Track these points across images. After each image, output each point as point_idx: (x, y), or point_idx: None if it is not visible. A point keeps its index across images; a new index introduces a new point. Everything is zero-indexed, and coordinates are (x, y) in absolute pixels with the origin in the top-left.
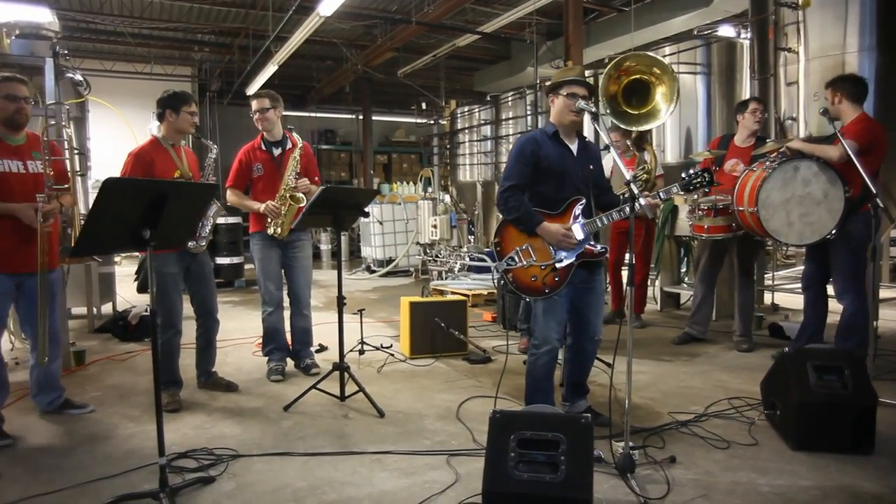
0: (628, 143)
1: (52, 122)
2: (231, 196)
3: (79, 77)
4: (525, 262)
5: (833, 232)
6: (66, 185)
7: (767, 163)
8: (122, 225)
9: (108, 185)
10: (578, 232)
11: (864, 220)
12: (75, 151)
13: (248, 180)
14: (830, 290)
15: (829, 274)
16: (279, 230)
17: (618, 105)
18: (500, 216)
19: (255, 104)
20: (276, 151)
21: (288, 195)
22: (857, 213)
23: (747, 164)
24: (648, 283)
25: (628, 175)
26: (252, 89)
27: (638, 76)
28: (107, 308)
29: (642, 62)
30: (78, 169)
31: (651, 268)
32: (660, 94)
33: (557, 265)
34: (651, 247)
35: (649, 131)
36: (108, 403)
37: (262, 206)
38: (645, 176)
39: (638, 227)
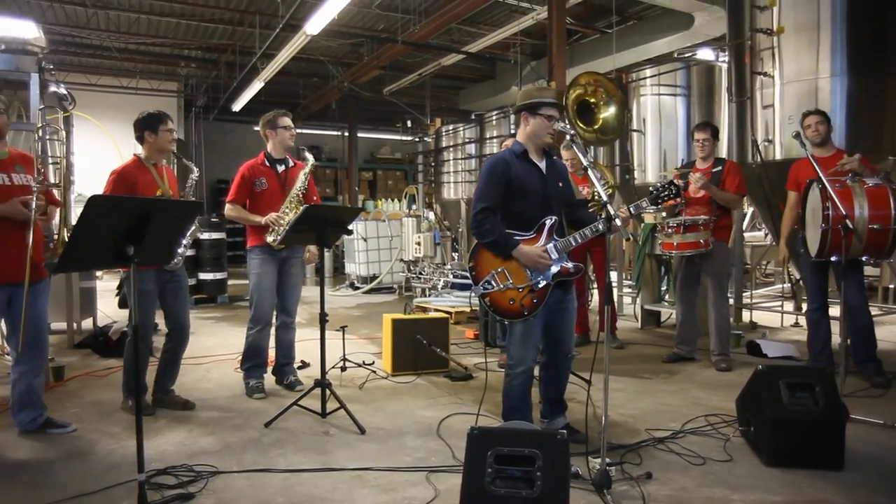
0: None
1: (39, 137)
2: (231, 210)
3: (63, 91)
4: (502, 286)
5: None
6: (53, 189)
7: (873, 181)
8: (106, 241)
9: (93, 203)
10: (552, 252)
11: None
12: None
13: (250, 195)
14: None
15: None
16: (278, 240)
17: (572, 122)
18: (475, 240)
19: (286, 121)
20: (280, 168)
21: (297, 203)
22: None
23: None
24: (620, 302)
25: (605, 196)
26: (238, 105)
27: (587, 98)
28: (87, 323)
29: (603, 88)
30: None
31: (632, 286)
32: (604, 114)
33: (535, 287)
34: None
35: (589, 149)
36: (88, 420)
37: (264, 219)
38: (610, 191)
39: (599, 242)
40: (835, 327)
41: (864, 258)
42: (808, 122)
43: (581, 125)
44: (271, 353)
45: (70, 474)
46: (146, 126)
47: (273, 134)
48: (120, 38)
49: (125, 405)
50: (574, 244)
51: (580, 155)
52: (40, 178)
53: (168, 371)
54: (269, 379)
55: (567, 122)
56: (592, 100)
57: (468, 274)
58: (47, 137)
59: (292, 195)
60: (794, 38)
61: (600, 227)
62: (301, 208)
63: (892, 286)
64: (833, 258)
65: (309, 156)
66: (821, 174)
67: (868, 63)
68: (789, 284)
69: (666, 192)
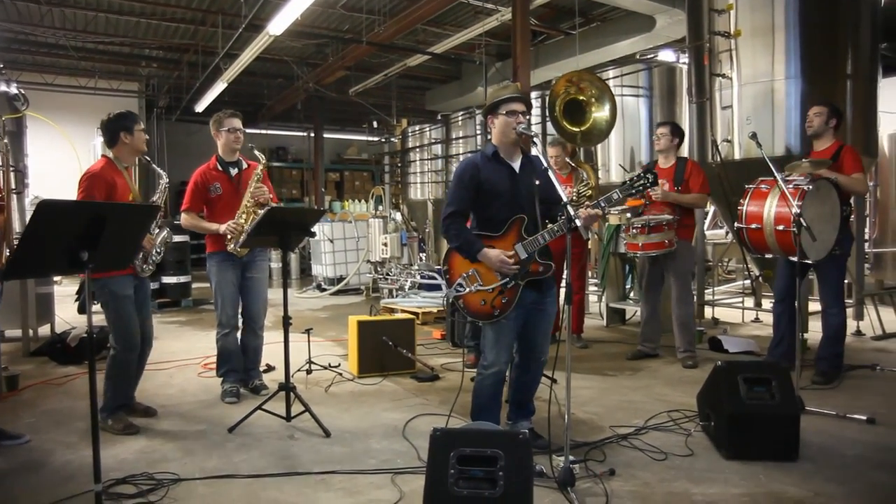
0: (567, 159)
1: None
2: (187, 219)
3: (15, 91)
4: (472, 288)
5: (836, 249)
6: None
7: (793, 184)
8: (58, 247)
9: (43, 208)
10: (521, 252)
11: (849, 237)
12: (10, 168)
13: (205, 201)
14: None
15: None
16: (238, 247)
17: (557, 121)
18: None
19: (231, 122)
20: (233, 171)
21: (252, 207)
22: (843, 230)
23: (672, 184)
24: (586, 301)
25: (565, 197)
26: (201, 106)
27: (575, 96)
28: (44, 330)
29: (586, 84)
30: (14, 187)
31: (597, 284)
32: (596, 114)
33: (504, 288)
34: (585, 267)
35: (578, 150)
36: (43, 430)
37: (222, 227)
38: (590, 192)
39: (576, 245)
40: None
41: (790, 258)
42: (808, 114)
43: (568, 124)
44: None
45: (23, 487)
46: (121, 127)
47: (219, 136)
48: (76, 36)
49: (105, 424)
50: (542, 242)
51: (541, 157)
52: None
53: (133, 381)
54: None
55: (551, 123)
56: (582, 97)
57: (443, 276)
58: None
59: (246, 199)
60: (750, 41)
61: (564, 228)
62: (260, 211)
63: (846, 281)
64: (767, 256)
65: (259, 155)
66: (775, 172)
67: (820, 66)
68: (750, 281)
69: (641, 182)
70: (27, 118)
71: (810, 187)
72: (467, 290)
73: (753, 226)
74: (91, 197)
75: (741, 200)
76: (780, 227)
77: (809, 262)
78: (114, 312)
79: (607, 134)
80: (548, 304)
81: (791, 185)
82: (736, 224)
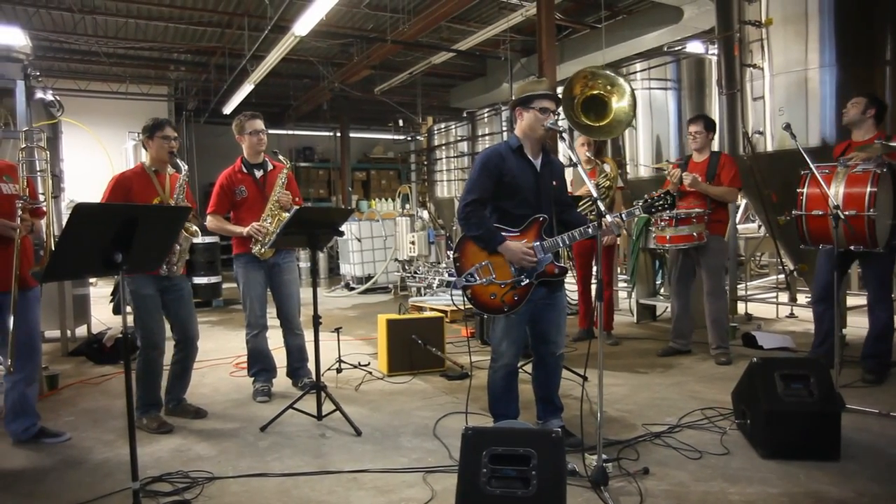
0: (589, 154)
1: (26, 145)
2: (212, 222)
3: (50, 97)
4: (484, 280)
5: (893, 239)
6: (42, 203)
7: (861, 167)
8: (93, 249)
9: (78, 211)
10: (539, 251)
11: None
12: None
13: (231, 204)
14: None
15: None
16: (264, 249)
17: (575, 116)
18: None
19: (253, 125)
20: (259, 174)
21: (277, 210)
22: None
23: (704, 177)
24: (615, 297)
25: (595, 192)
26: (229, 108)
27: (595, 92)
28: (81, 331)
29: (601, 80)
30: (51, 191)
31: (627, 280)
32: (616, 107)
33: (517, 284)
34: (612, 264)
35: (606, 143)
36: (82, 428)
37: (246, 230)
38: (607, 183)
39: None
40: (860, 320)
41: (853, 247)
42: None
43: (586, 120)
44: (282, 357)
45: (64, 484)
46: (145, 133)
47: (242, 139)
48: (108, 42)
49: (140, 423)
50: (561, 245)
51: (569, 152)
52: (26, 195)
53: (178, 382)
54: (286, 382)
55: (571, 118)
56: (596, 91)
57: (452, 265)
58: (34, 145)
59: (272, 202)
60: (782, 30)
61: (590, 230)
62: (284, 213)
63: None
64: (821, 247)
65: (283, 159)
66: (809, 163)
67: (856, 53)
68: (784, 276)
69: (661, 202)
70: (62, 124)
71: (884, 170)
72: (478, 281)
73: (816, 212)
74: (107, 201)
75: (799, 189)
76: (851, 212)
77: (855, 253)
78: (135, 310)
79: (629, 123)
80: (556, 299)
81: (859, 169)
82: (794, 211)
